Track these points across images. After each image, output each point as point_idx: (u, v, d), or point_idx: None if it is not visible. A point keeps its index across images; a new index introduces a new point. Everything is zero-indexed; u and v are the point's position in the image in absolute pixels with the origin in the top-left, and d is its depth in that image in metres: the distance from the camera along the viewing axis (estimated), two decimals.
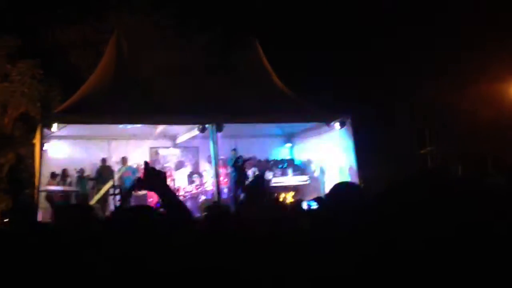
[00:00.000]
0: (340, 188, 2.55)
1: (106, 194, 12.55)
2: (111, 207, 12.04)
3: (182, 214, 2.37)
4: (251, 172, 13.38)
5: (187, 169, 14.06)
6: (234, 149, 13.09)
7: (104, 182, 12.59)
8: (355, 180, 12.18)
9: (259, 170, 13.46)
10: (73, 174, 12.95)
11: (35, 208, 10.56)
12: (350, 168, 12.79)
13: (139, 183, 2.74)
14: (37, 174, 11.06)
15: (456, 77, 14.12)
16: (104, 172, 12.98)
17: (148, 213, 2.27)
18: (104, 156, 13.43)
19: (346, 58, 17.79)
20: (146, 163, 2.54)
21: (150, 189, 2.77)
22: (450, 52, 14.88)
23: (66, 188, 12.58)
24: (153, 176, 2.52)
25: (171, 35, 18.87)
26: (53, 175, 12.42)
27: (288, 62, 17.31)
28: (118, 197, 11.36)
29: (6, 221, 11.22)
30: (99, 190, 12.58)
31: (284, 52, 18.12)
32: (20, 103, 16.73)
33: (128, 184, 12.56)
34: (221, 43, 17.99)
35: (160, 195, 2.43)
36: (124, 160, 13.11)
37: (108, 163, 13.39)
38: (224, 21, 19.06)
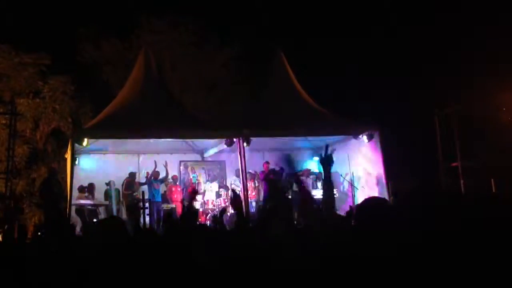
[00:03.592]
0: (370, 203, 2.55)
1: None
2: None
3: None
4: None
5: (216, 183, 14.10)
6: (267, 162, 13.06)
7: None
8: (385, 193, 12.04)
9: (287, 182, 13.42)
10: (102, 187, 13.05)
11: (68, 222, 10.70)
12: (379, 181, 12.63)
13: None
14: (68, 188, 11.23)
15: (488, 89, 13.86)
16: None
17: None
18: (134, 169, 13.54)
19: (375, 68, 17.69)
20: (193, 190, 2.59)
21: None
22: (485, 64, 14.62)
23: (96, 202, 12.71)
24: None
25: (196, 51, 19.09)
26: (81, 189, 12.49)
27: (313, 72, 17.30)
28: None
29: (40, 235, 11.36)
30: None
31: (309, 62, 18.11)
32: (52, 119, 17.09)
33: (157, 196, 12.67)
34: (246, 55, 18.06)
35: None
36: (156, 174, 13.25)
37: (137, 177, 13.47)
38: (248, 33, 19.19)
